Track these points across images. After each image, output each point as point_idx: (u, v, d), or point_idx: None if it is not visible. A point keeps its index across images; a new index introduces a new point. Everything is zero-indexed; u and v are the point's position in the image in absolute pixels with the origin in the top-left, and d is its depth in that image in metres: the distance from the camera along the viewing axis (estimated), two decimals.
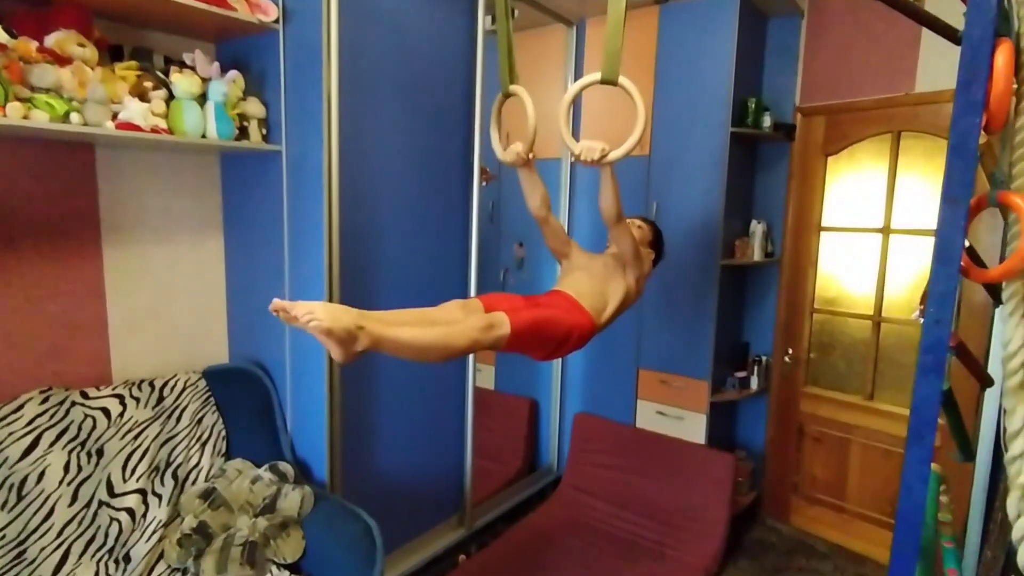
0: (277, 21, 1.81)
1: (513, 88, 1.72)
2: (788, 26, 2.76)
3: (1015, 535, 0.87)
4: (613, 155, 1.59)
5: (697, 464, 2.63)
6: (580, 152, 1.60)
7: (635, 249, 1.82)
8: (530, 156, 1.76)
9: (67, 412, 1.62)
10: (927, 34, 2.40)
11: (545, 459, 3.20)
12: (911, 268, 2.60)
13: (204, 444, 1.86)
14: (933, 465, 1.33)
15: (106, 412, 1.70)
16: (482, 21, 2.27)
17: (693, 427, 2.72)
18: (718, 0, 2.50)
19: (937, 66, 2.39)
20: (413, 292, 2.19)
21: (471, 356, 2.45)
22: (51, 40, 1.42)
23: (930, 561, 1.32)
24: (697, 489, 2.59)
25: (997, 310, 0.94)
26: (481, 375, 2.75)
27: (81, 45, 1.46)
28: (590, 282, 1.83)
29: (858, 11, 2.55)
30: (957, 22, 1.17)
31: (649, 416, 2.85)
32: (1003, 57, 0.81)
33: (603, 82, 1.55)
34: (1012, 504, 0.89)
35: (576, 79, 2.76)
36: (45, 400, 1.60)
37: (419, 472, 2.33)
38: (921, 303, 1.27)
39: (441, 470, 2.46)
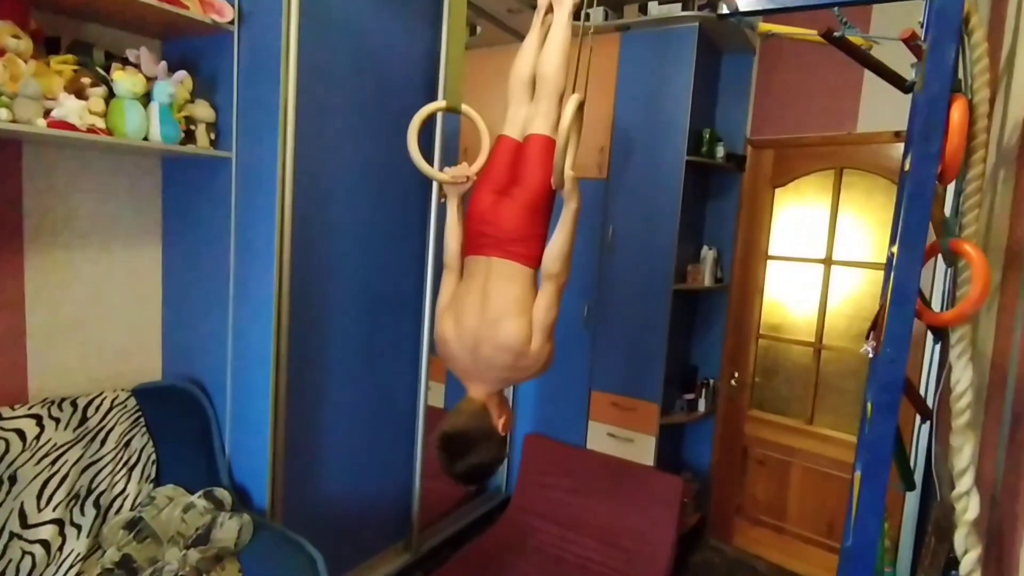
0: (232, 23, 1.73)
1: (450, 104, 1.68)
2: (741, 62, 2.87)
3: (962, 571, 0.90)
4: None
5: (646, 486, 2.64)
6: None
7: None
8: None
9: None
10: (868, 78, 2.54)
11: (494, 480, 3.15)
12: (850, 298, 2.73)
13: (131, 469, 1.73)
14: None
15: (20, 434, 1.54)
16: (446, 36, 2.25)
17: (643, 449, 2.74)
18: (678, 33, 2.57)
19: (877, 109, 2.53)
20: (367, 306, 2.12)
21: (423, 371, 2.38)
22: None
23: None
24: (646, 511, 2.60)
25: (951, 353, 0.98)
26: (431, 393, 2.69)
27: (16, 36, 1.34)
28: None
29: (807, 53, 2.68)
30: (896, 68, 1.25)
31: (600, 438, 2.85)
32: (958, 112, 0.85)
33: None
34: (959, 541, 0.92)
35: None
36: None
37: (366, 495, 2.24)
38: (868, 336, 1.32)
39: (389, 493, 2.37)
